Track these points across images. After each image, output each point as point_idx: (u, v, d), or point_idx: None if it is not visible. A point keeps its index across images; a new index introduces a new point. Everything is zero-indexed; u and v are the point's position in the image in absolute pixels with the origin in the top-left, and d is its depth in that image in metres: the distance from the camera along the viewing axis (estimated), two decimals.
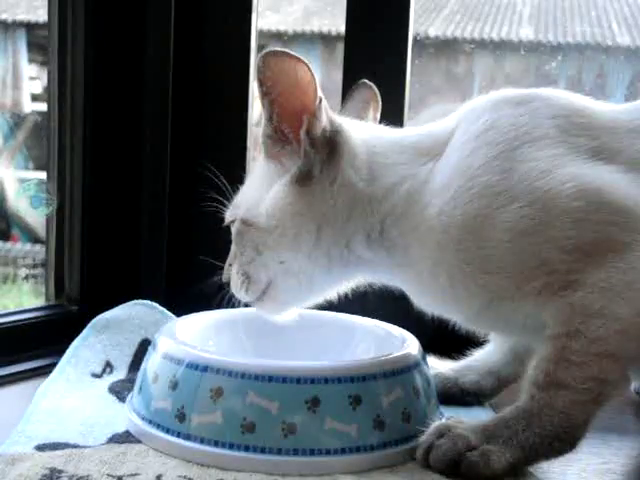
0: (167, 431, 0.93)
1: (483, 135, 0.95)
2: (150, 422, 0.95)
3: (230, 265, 1.05)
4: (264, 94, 0.95)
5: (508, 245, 0.90)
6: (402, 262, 0.99)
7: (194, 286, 1.13)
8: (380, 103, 1.17)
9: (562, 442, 0.89)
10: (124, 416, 1.00)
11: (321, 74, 2.67)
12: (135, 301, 1.25)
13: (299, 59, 0.93)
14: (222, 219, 1.08)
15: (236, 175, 1.10)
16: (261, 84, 0.94)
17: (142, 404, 0.98)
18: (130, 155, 1.45)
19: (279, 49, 0.93)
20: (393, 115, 1.40)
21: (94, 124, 1.40)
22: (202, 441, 0.90)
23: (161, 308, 1.25)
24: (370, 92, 1.17)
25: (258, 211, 1.00)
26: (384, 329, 1.12)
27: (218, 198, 1.07)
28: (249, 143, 1.49)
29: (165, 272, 1.47)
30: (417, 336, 1.06)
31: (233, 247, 1.05)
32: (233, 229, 1.04)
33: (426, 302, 1.03)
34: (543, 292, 0.90)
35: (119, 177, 1.44)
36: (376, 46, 1.42)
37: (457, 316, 1.02)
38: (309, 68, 0.93)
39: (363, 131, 1.03)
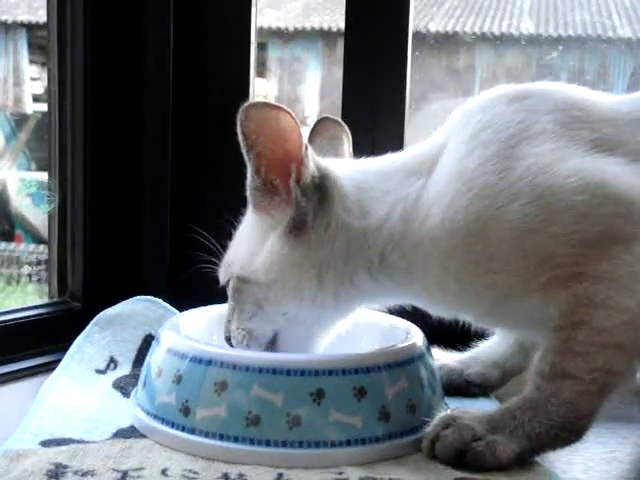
0: (172, 425, 0.92)
1: (477, 136, 0.94)
2: (155, 417, 0.95)
3: (229, 321, 1.03)
4: (249, 148, 0.93)
5: (512, 243, 0.90)
6: (407, 282, 0.98)
7: (197, 281, 1.13)
8: (350, 137, 1.15)
9: (568, 432, 0.89)
10: (129, 411, 1.00)
11: (322, 71, 2.67)
12: (138, 297, 1.26)
13: (280, 107, 0.92)
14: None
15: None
16: (245, 138, 0.92)
17: (146, 399, 0.98)
18: (131, 150, 1.45)
19: (259, 101, 0.92)
20: (394, 112, 1.41)
21: (95, 122, 1.39)
22: (207, 435, 0.90)
23: (164, 303, 1.26)
24: (338, 127, 1.15)
25: (254, 266, 0.98)
26: (388, 321, 1.11)
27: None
28: None
29: (168, 267, 1.46)
30: (421, 328, 1.05)
31: (230, 303, 1.03)
32: (229, 288, 1.02)
33: (436, 309, 1.02)
34: (548, 286, 0.90)
35: (120, 173, 1.44)
36: (376, 42, 1.41)
37: (467, 316, 1.02)
38: (292, 115, 0.92)
39: (347, 169, 1.02)
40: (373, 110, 1.40)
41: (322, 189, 0.97)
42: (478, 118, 0.96)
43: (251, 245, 1.00)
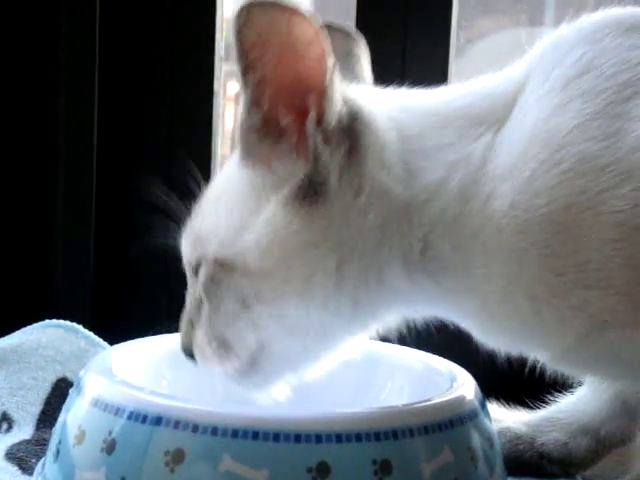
0: None
1: (576, 81, 0.94)
2: None
3: (192, 325, 1.04)
4: (248, 68, 0.92)
5: (618, 246, 0.90)
6: (457, 287, 0.99)
7: (136, 298, 1.13)
8: (368, 53, 1.16)
9: None
10: None
11: None
12: (47, 321, 1.26)
13: (296, 10, 0.90)
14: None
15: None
16: (244, 53, 0.92)
17: (60, 477, 0.97)
18: (39, 97, 1.46)
19: None
20: (434, 49, 1.44)
21: None
22: None
23: (86, 332, 1.26)
24: (350, 40, 1.15)
25: (242, 245, 0.98)
26: (423, 361, 1.13)
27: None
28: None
29: (92, 279, 1.47)
30: (472, 372, 1.06)
31: (193, 295, 1.04)
32: (200, 274, 1.02)
33: (495, 338, 1.03)
34: None
35: (19, 136, 1.45)
36: None
37: (541, 354, 1.03)
38: (312, 21, 0.90)
39: (384, 103, 1.02)
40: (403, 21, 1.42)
41: (353, 135, 0.97)
42: (579, 53, 0.96)
43: (237, 212, 1.00)
